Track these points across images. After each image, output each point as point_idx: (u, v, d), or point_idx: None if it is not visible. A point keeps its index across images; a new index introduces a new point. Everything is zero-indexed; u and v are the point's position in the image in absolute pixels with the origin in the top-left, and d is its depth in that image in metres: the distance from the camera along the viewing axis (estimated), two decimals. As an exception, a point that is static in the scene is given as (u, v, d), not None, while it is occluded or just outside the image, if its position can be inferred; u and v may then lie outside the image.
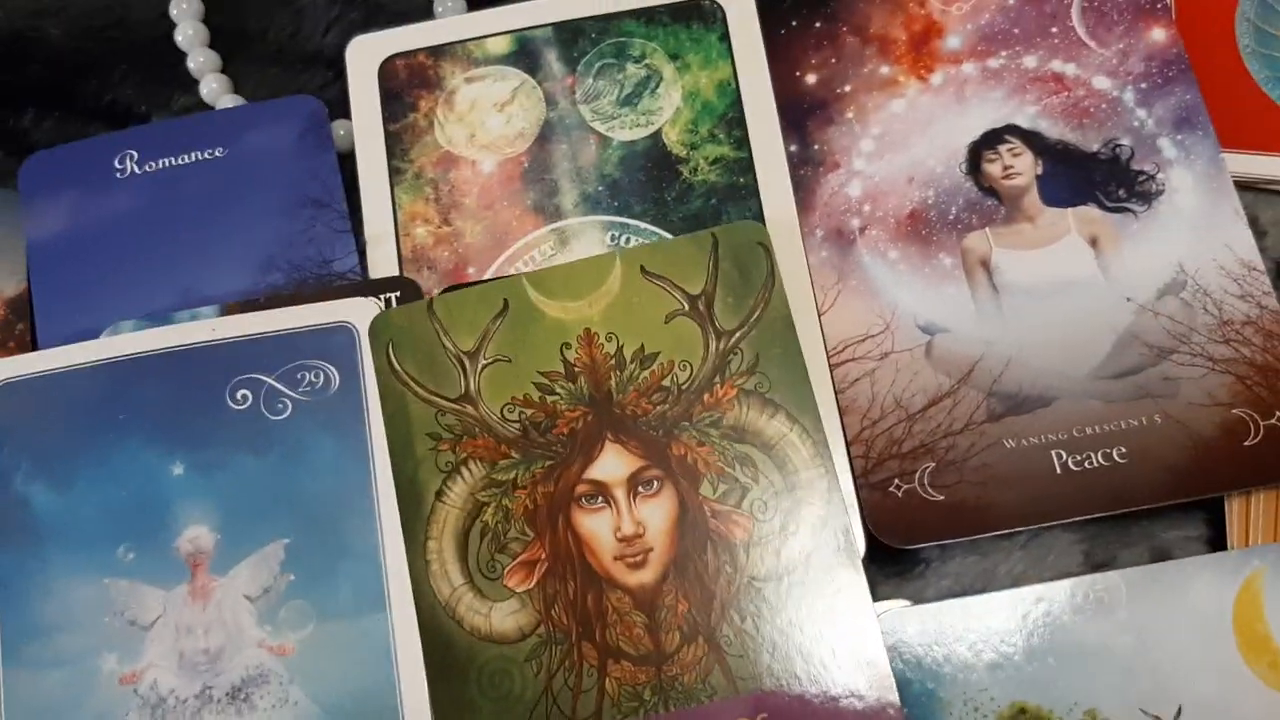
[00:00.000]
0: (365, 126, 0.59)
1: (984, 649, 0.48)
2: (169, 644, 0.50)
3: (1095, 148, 0.56)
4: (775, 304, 0.52)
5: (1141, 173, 0.55)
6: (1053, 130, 0.56)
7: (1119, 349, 0.52)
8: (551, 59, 0.59)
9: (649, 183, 0.57)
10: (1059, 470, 0.50)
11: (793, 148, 0.57)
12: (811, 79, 0.59)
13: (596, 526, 0.50)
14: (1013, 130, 0.57)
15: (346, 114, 0.59)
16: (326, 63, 0.63)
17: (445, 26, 0.61)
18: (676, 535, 0.49)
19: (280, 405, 0.53)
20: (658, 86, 0.58)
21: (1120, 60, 0.57)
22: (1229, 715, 0.46)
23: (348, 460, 0.52)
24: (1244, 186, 0.55)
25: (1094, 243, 0.54)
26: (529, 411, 0.51)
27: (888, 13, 0.59)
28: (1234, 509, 0.50)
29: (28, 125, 0.64)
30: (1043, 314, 0.53)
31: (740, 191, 0.56)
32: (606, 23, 0.59)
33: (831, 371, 0.53)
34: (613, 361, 0.51)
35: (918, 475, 0.51)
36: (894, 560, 0.51)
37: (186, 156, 0.59)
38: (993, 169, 0.56)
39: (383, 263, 0.56)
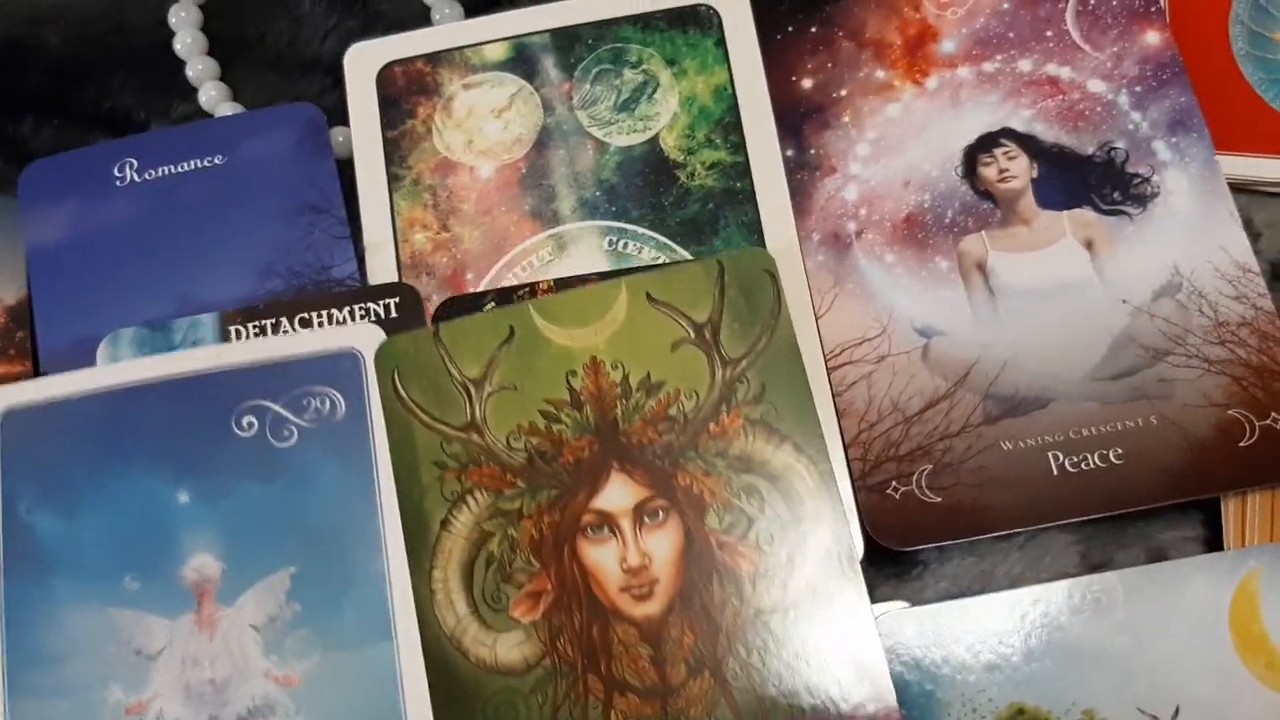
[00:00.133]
0: (363, 133, 0.59)
1: (982, 650, 0.48)
2: (175, 674, 0.49)
3: (1090, 151, 0.56)
4: (782, 332, 0.51)
5: (1136, 175, 0.55)
6: (1048, 133, 0.57)
7: (1115, 351, 0.52)
8: (549, 65, 0.59)
9: (646, 188, 0.57)
10: (1056, 472, 0.51)
11: (789, 152, 0.57)
12: (807, 84, 0.59)
13: (602, 558, 0.49)
14: (1008, 134, 0.57)
15: (345, 121, 0.60)
16: (325, 70, 0.63)
17: (443, 33, 0.61)
18: (682, 566, 0.49)
19: (286, 432, 0.52)
20: (654, 92, 0.59)
21: (1115, 63, 0.57)
22: (1226, 715, 0.46)
23: (353, 488, 0.51)
24: (1238, 189, 0.56)
25: (1089, 245, 0.54)
26: (535, 440, 0.51)
27: (883, 17, 0.59)
28: (1230, 510, 0.50)
29: (27, 133, 0.64)
30: (1039, 316, 0.53)
31: (737, 196, 0.56)
32: (603, 29, 0.60)
33: (829, 375, 0.53)
34: (619, 390, 0.51)
35: (915, 477, 0.51)
36: (892, 562, 0.52)
37: (185, 164, 0.59)
38: (988, 172, 0.56)
39: (381, 269, 0.56)
